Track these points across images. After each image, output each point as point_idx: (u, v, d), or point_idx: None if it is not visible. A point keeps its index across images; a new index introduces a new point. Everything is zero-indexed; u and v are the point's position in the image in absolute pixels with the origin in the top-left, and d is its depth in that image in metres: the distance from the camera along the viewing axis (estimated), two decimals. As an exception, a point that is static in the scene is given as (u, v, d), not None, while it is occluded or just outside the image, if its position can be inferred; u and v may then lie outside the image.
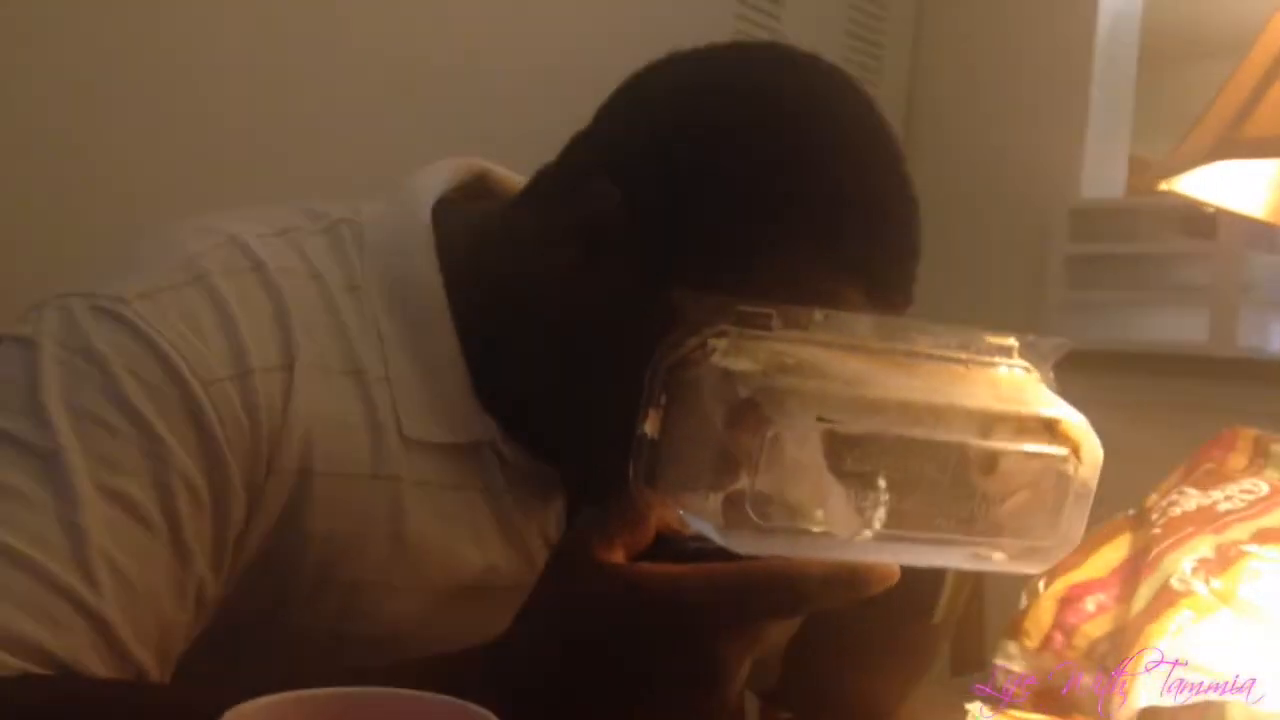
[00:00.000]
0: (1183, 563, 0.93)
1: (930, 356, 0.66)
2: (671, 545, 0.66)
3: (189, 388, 0.72)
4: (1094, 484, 0.64)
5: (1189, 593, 0.90)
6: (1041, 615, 0.97)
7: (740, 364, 0.62)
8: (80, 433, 0.70)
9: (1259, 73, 1.12)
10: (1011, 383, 0.67)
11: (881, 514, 0.62)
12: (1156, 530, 0.98)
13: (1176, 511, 0.99)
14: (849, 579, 0.62)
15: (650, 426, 0.65)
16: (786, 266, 0.75)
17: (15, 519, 0.68)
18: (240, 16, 1.62)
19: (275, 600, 0.77)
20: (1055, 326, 2.21)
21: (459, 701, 0.53)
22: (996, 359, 0.68)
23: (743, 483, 0.59)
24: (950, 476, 0.62)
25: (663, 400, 0.64)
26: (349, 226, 0.82)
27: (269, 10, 1.65)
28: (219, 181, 1.56)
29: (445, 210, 0.84)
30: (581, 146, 0.82)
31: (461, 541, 0.81)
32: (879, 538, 0.62)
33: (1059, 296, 2.23)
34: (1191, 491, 1.02)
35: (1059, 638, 0.95)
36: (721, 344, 0.63)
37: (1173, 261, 2.20)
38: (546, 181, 0.83)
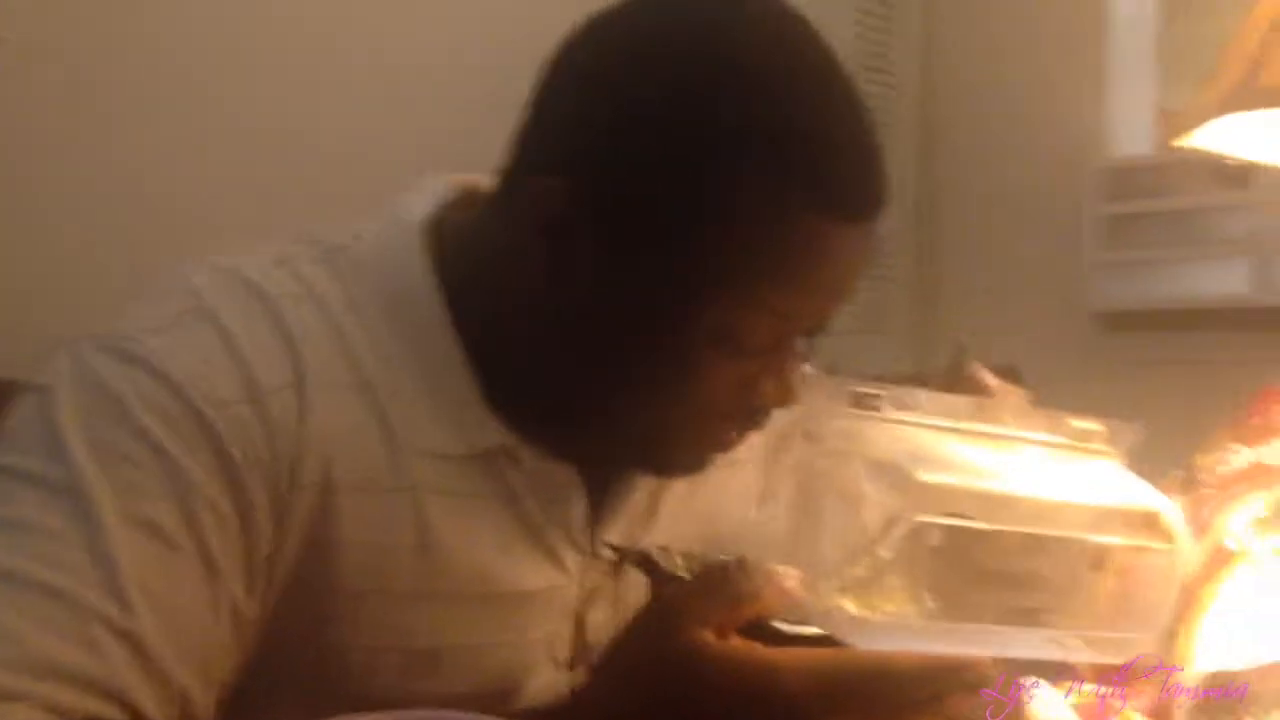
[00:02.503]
0: (1237, 521, 0.91)
1: (1026, 441, 0.70)
2: (762, 625, 0.68)
3: (204, 415, 0.74)
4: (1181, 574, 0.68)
5: (1244, 551, 0.89)
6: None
7: (869, 451, 0.64)
8: (102, 465, 0.72)
9: (1265, 23, 1.10)
10: (1105, 471, 0.70)
11: (994, 607, 0.65)
12: (1207, 490, 0.97)
13: (1227, 469, 0.98)
14: (951, 673, 0.66)
15: (767, 510, 0.67)
16: (763, 214, 0.75)
17: (46, 554, 0.70)
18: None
19: (316, 618, 0.79)
20: (1094, 288, 2.20)
21: None
22: (1084, 444, 0.71)
23: (870, 575, 0.63)
24: (1064, 571, 0.66)
25: (781, 485, 0.68)
26: (344, 249, 0.84)
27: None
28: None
29: (441, 223, 0.85)
30: (520, 141, 0.82)
31: (487, 549, 0.82)
32: (977, 630, 0.65)
33: (1096, 258, 2.21)
34: (1241, 448, 1.01)
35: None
36: (839, 427, 0.66)
37: (1209, 215, 2.18)
38: (502, 183, 0.84)
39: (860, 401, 0.67)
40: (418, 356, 0.81)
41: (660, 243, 0.76)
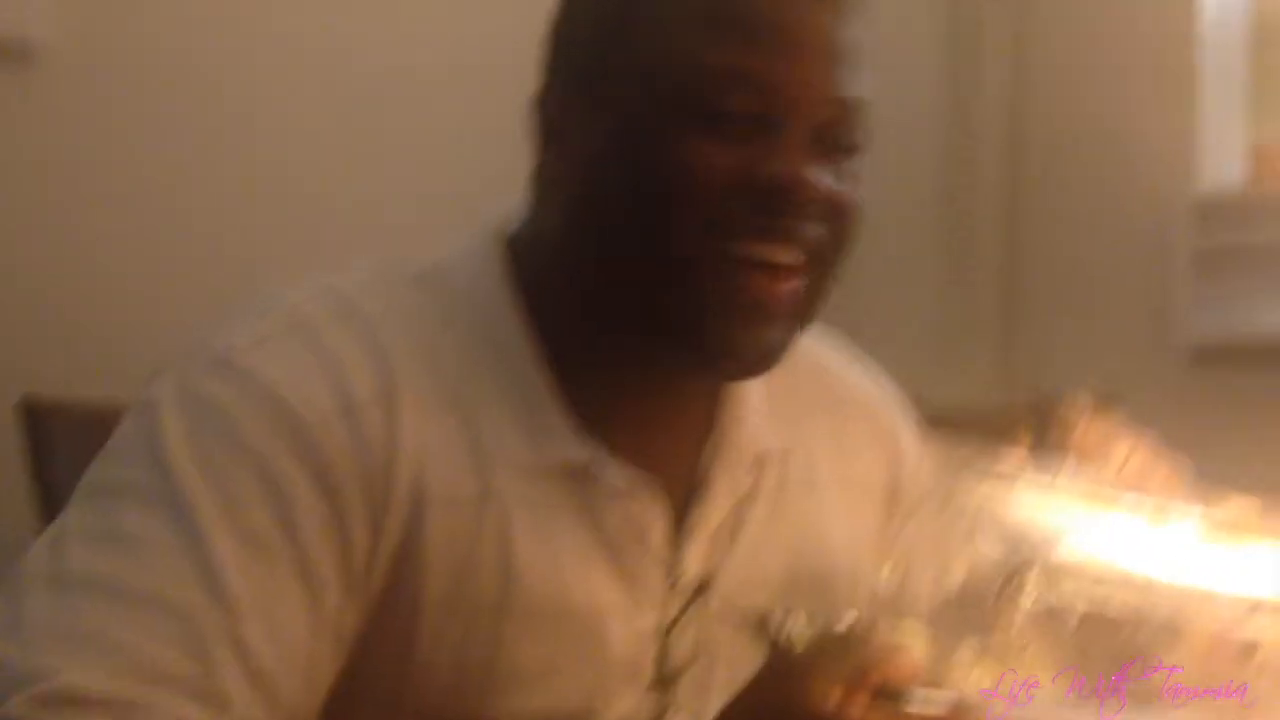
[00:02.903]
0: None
1: (1178, 515, 0.69)
2: (890, 691, 0.67)
3: (302, 426, 0.77)
4: None
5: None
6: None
7: (1004, 522, 0.64)
8: (204, 477, 0.75)
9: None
10: (1262, 557, 0.68)
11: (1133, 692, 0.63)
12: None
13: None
14: None
15: (892, 575, 0.67)
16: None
17: (152, 566, 0.72)
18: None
19: (399, 634, 0.80)
20: (1184, 323, 2.16)
21: None
22: (1242, 526, 0.69)
23: (1004, 646, 0.62)
24: (1206, 659, 0.64)
25: (906, 548, 0.68)
26: (431, 267, 0.88)
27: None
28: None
29: (516, 236, 0.89)
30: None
31: (565, 564, 0.83)
32: (1114, 710, 0.64)
33: (1185, 293, 2.17)
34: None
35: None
36: (975, 493, 0.66)
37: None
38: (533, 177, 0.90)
39: (1000, 470, 0.66)
40: (500, 367, 0.83)
41: (614, 48, 0.82)
